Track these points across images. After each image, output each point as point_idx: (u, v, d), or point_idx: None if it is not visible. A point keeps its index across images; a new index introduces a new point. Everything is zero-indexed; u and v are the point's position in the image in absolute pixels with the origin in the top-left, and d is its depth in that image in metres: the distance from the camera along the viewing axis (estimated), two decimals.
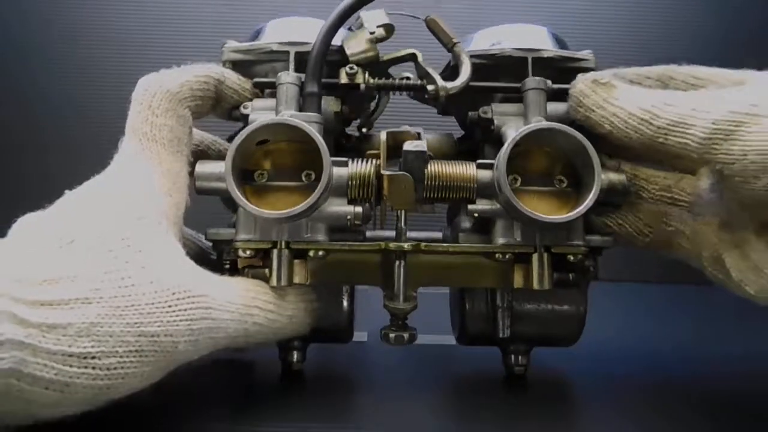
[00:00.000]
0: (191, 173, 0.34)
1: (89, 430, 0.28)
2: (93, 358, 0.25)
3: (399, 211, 0.33)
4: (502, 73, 0.36)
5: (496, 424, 0.32)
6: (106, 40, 0.75)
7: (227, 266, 0.34)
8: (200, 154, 0.37)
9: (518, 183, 0.34)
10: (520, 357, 0.37)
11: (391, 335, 0.33)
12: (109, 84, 0.72)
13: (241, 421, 0.31)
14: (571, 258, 0.33)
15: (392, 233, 0.36)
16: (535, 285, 0.32)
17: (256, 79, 0.36)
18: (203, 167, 0.34)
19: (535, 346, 0.37)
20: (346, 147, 0.38)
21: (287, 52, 0.35)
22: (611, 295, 0.40)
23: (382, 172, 0.32)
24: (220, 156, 0.38)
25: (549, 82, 0.35)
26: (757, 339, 0.48)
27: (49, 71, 0.75)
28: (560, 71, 0.36)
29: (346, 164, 0.33)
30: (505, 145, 0.32)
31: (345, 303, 0.36)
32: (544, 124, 0.32)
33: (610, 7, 0.77)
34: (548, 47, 0.36)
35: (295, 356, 0.36)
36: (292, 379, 0.36)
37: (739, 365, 0.41)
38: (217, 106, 0.36)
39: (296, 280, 0.33)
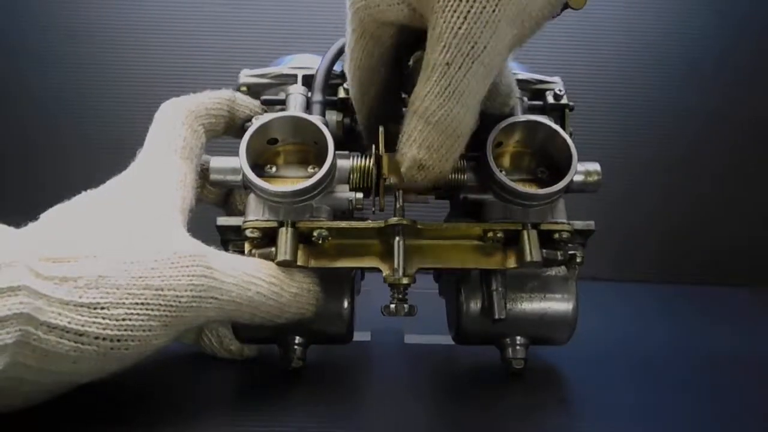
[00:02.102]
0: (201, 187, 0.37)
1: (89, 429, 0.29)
2: (102, 308, 0.27)
3: (397, 193, 0.36)
4: None
5: (497, 424, 0.32)
6: (105, 41, 0.73)
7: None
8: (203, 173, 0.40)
9: (503, 174, 0.37)
10: (518, 349, 0.37)
11: (392, 306, 0.34)
12: (109, 85, 0.72)
13: (240, 422, 0.31)
14: (557, 236, 0.35)
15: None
16: (527, 258, 0.34)
17: (265, 96, 0.40)
18: (217, 161, 0.37)
19: (529, 345, 0.38)
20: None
21: (296, 75, 0.40)
22: (611, 295, 0.41)
23: (381, 153, 0.35)
24: None
25: (525, 98, 0.40)
26: (756, 338, 0.48)
27: (48, 73, 0.74)
28: (533, 92, 0.41)
29: (348, 157, 0.37)
30: (491, 134, 0.36)
31: (345, 304, 0.37)
32: (524, 116, 0.37)
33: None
34: (523, 68, 0.42)
35: (295, 357, 0.36)
36: (292, 379, 0.36)
37: (737, 365, 0.41)
38: (231, 124, 0.40)
39: (299, 263, 0.35)
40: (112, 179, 0.34)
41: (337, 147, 0.36)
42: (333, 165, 0.35)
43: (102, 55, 0.72)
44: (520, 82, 0.41)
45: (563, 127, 0.40)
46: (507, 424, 0.32)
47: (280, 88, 0.41)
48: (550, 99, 0.40)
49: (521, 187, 0.34)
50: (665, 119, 0.77)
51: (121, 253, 0.28)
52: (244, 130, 0.39)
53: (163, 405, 0.33)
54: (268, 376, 0.37)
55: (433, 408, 0.35)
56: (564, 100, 0.40)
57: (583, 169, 0.37)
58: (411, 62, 0.34)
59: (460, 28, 0.29)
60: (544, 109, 0.40)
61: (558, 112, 0.40)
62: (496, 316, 0.36)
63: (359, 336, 0.38)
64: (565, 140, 0.36)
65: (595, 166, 0.38)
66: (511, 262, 0.36)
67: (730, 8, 0.77)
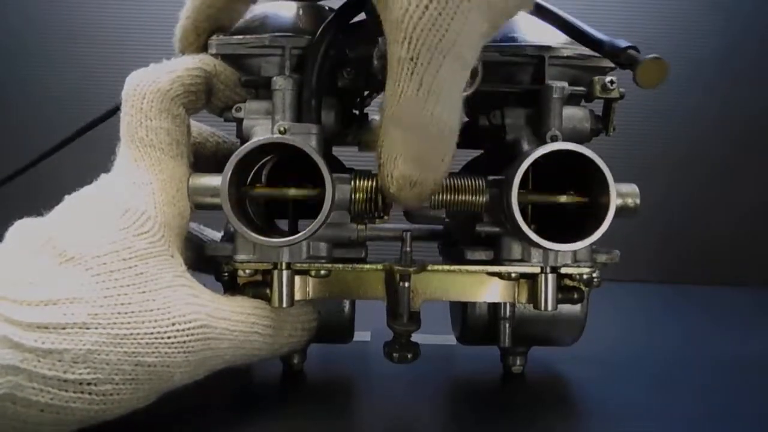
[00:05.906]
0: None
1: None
2: (89, 384, 0.25)
3: (405, 234, 0.32)
4: (514, 71, 0.34)
5: (497, 424, 0.32)
6: (100, 39, 0.77)
7: (225, 277, 0.33)
8: (197, 146, 0.35)
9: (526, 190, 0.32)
10: (518, 358, 0.37)
11: (395, 354, 0.33)
12: (101, 82, 0.70)
13: (240, 423, 0.31)
14: (577, 277, 0.33)
15: (394, 226, 0.35)
16: (541, 307, 0.32)
17: (246, 78, 0.33)
18: (198, 180, 0.32)
19: (535, 346, 0.38)
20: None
21: (282, 49, 0.32)
22: (611, 295, 0.40)
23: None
24: (217, 149, 0.37)
25: (566, 85, 0.33)
26: (756, 338, 0.49)
27: (44, 69, 0.78)
28: (577, 69, 0.34)
29: (348, 181, 0.32)
30: (517, 173, 0.30)
31: (346, 303, 0.36)
32: (562, 145, 0.30)
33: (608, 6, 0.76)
34: (565, 41, 0.33)
35: (296, 357, 0.36)
36: (292, 379, 0.37)
37: (738, 365, 0.42)
38: (209, 103, 0.33)
39: (297, 296, 0.32)
40: (95, 185, 0.30)
41: (335, 142, 0.31)
42: (331, 206, 0.30)
43: (103, 54, 0.76)
44: (560, 59, 0.33)
45: (608, 120, 0.33)
46: (508, 424, 0.33)
47: (263, 60, 0.33)
48: (598, 90, 0.33)
49: (548, 243, 0.30)
50: (667, 119, 0.77)
51: (113, 321, 0.26)
52: (224, 118, 0.34)
53: (161, 406, 0.33)
54: (268, 376, 0.37)
55: (433, 408, 0.36)
56: (614, 93, 0.33)
57: (621, 202, 0.32)
58: (375, 60, 0.29)
59: (422, 16, 0.24)
60: (587, 97, 0.33)
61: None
62: (502, 344, 0.35)
63: (359, 336, 0.38)
64: (603, 175, 0.30)
65: (631, 188, 0.32)
66: (523, 297, 0.33)
67: (734, 8, 0.77)
